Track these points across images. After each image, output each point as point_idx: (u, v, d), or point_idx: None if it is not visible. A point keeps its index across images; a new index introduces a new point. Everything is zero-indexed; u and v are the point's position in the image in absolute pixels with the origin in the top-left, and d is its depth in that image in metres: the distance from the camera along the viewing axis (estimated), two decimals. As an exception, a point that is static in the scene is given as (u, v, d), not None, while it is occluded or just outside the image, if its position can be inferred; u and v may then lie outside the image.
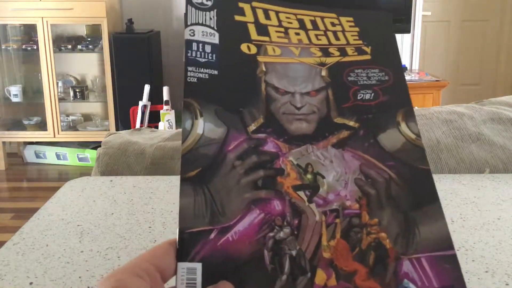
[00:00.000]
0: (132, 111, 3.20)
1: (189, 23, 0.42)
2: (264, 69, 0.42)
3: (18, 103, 3.76)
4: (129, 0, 3.84)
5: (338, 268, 0.36)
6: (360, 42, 0.46)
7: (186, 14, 0.42)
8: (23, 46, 3.68)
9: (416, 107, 2.44)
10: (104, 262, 0.64)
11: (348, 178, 0.39)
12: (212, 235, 0.35)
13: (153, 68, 3.54)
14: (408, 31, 3.63)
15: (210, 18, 0.43)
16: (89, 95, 3.78)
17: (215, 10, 0.43)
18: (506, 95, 1.21)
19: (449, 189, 0.85)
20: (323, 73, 0.43)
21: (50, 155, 3.78)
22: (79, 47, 3.67)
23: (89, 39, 3.71)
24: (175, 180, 0.92)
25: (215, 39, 0.42)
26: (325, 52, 0.45)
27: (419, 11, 3.87)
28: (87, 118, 3.88)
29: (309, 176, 0.39)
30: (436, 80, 3.41)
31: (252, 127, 0.39)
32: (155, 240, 0.70)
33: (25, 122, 3.75)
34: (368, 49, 0.46)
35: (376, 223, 0.37)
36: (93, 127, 3.74)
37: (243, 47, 0.43)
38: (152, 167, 1.03)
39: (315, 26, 0.46)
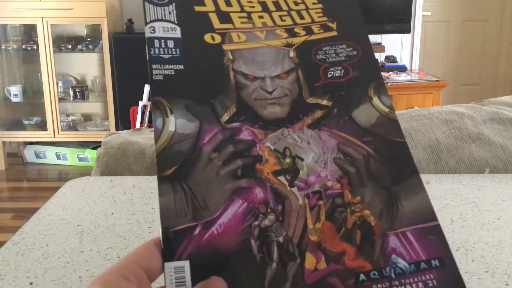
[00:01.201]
0: (132, 111, 3.21)
1: (148, 20, 0.41)
2: (230, 57, 0.42)
3: (18, 103, 3.76)
4: (129, 0, 3.84)
5: (327, 250, 0.36)
6: (325, 18, 0.45)
7: (143, 11, 0.42)
8: (23, 46, 3.68)
9: (416, 107, 2.44)
10: (104, 262, 0.64)
11: (327, 158, 0.39)
12: (197, 231, 0.35)
13: (153, 68, 3.53)
14: (408, 31, 3.63)
15: (170, 13, 0.42)
16: (89, 95, 3.78)
17: (173, 4, 0.42)
18: (506, 95, 1.21)
19: (449, 189, 0.85)
20: (291, 54, 0.43)
21: (50, 155, 3.78)
22: (79, 47, 3.67)
23: (89, 39, 3.71)
24: (175, 180, 0.92)
25: (177, 33, 0.41)
26: (291, 32, 0.44)
27: (419, 11, 3.87)
28: (87, 118, 3.88)
29: (287, 160, 0.38)
30: (436, 80, 3.41)
31: (225, 117, 0.39)
32: (155, 240, 0.70)
33: (25, 122, 3.75)
34: (333, 25, 0.45)
35: (359, 201, 0.37)
36: (93, 127, 3.74)
37: (207, 37, 0.42)
38: (152, 167, 1.03)
39: (278, 7, 0.45)
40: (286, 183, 0.38)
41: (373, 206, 0.37)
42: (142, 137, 1.13)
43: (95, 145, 3.72)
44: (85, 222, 0.75)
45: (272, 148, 0.39)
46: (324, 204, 0.37)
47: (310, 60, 0.43)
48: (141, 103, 3.06)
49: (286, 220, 0.36)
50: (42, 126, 3.72)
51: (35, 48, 3.60)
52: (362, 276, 0.35)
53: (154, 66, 0.39)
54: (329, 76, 0.42)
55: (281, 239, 0.36)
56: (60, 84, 3.72)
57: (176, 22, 0.42)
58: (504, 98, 1.17)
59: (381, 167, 0.39)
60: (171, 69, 0.40)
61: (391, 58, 3.78)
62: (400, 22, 3.50)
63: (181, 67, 0.40)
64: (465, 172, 0.95)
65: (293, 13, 0.45)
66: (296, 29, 0.44)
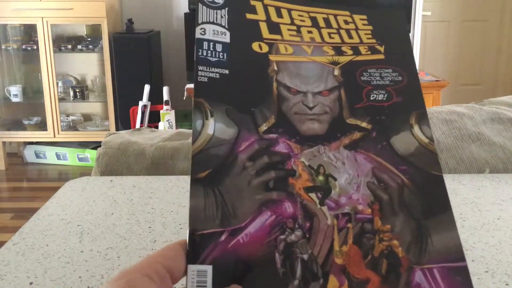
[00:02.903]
0: (132, 111, 3.21)
1: (200, 22, 0.41)
2: (275, 68, 0.41)
3: (18, 103, 3.76)
4: (129, 0, 3.84)
5: (351, 276, 0.35)
6: (374, 41, 0.45)
7: (196, 12, 0.42)
8: (23, 46, 3.68)
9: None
10: (104, 262, 0.64)
11: (360, 181, 0.38)
12: (223, 237, 0.35)
13: (153, 68, 3.54)
14: (408, 31, 3.63)
15: (222, 17, 0.42)
16: (89, 95, 3.78)
17: (226, 9, 0.43)
18: (506, 95, 1.21)
19: (449, 189, 0.85)
20: (336, 72, 0.42)
21: (50, 155, 3.78)
22: (79, 47, 3.67)
23: (89, 39, 3.71)
24: (175, 180, 0.92)
25: (226, 38, 0.41)
26: (338, 50, 0.44)
27: (419, 11, 3.87)
28: (87, 118, 3.88)
29: (320, 177, 0.38)
30: (436, 80, 3.41)
31: (263, 127, 0.39)
32: (155, 240, 0.70)
33: (25, 122, 3.75)
34: (381, 48, 0.45)
35: (389, 229, 0.37)
36: (93, 127, 3.74)
37: (255, 45, 0.42)
38: (152, 167, 1.03)
39: (328, 24, 0.45)
40: (317, 201, 0.37)
41: (402, 237, 0.36)
42: (142, 137, 1.13)
43: (95, 145, 3.72)
44: (85, 222, 0.75)
45: (307, 164, 0.38)
46: (352, 228, 0.37)
47: (354, 80, 0.42)
48: (141, 103, 3.06)
49: (313, 238, 0.36)
50: (42, 126, 3.72)
51: (35, 48, 3.60)
52: None
53: (200, 68, 0.40)
54: (371, 98, 0.42)
55: (305, 256, 0.35)
56: (60, 84, 3.72)
57: (226, 26, 0.42)
58: (504, 98, 1.17)
59: (414, 198, 0.38)
60: (217, 72, 0.40)
61: (391, 58, 3.78)
62: (400, 22, 3.50)
63: (226, 71, 0.40)
64: (465, 172, 0.96)
65: (342, 32, 0.45)
66: (344, 48, 0.44)
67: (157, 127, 2.95)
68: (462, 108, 1.08)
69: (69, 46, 3.66)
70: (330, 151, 0.39)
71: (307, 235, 0.36)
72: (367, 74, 0.43)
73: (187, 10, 3.29)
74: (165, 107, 2.94)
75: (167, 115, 2.93)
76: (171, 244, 0.35)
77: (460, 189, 0.85)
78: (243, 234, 0.35)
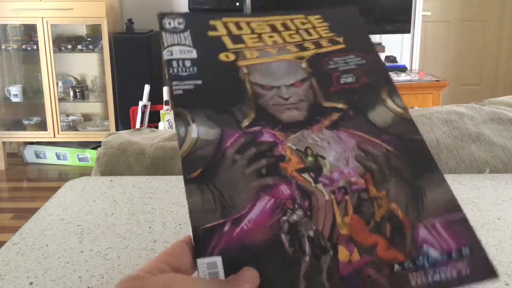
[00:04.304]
0: (132, 111, 3.20)
1: (166, 45, 0.44)
2: (246, 71, 0.43)
3: (18, 103, 3.76)
4: (129, 0, 3.84)
5: (359, 243, 0.36)
6: (332, 34, 0.48)
7: (161, 38, 0.45)
8: (23, 46, 3.68)
9: (416, 107, 2.44)
10: (104, 262, 0.64)
11: (348, 156, 0.40)
12: (227, 227, 0.36)
13: (153, 68, 3.53)
14: (408, 31, 3.63)
15: (185, 38, 0.45)
16: (89, 95, 3.78)
17: (188, 31, 0.45)
18: (506, 95, 1.21)
19: (449, 189, 0.85)
20: (303, 65, 0.45)
21: (50, 155, 3.78)
22: (79, 47, 3.67)
23: (89, 39, 3.71)
24: (175, 180, 0.92)
25: (193, 54, 0.44)
26: (301, 47, 0.46)
27: (419, 11, 3.87)
28: (87, 118, 3.88)
29: (310, 158, 0.39)
30: (436, 80, 3.41)
31: (245, 122, 0.40)
32: (155, 240, 0.70)
33: (25, 122, 3.74)
34: (340, 39, 0.47)
35: (385, 195, 0.38)
36: (93, 127, 3.74)
37: (222, 56, 0.44)
38: (152, 167, 1.03)
39: (286, 27, 0.48)
40: (311, 180, 0.39)
41: (398, 199, 0.38)
42: (142, 137, 1.13)
43: (95, 145, 3.72)
44: (85, 222, 0.75)
45: (294, 148, 0.40)
46: (350, 199, 0.38)
47: (322, 69, 0.45)
48: (141, 103, 3.06)
49: (315, 215, 0.37)
50: (42, 126, 3.72)
51: (35, 48, 3.59)
52: (396, 267, 0.36)
53: (174, 83, 0.42)
54: (341, 82, 0.44)
55: (311, 233, 0.36)
56: (60, 84, 3.72)
57: (191, 45, 0.44)
58: (504, 98, 1.17)
59: (402, 162, 0.40)
60: (190, 84, 0.42)
61: (391, 58, 3.78)
62: (400, 22, 3.50)
63: (199, 82, 0.42)
64: (465, 172, 0.95)
65: (301, 31, 0.48)
66: (306, 44, 0.46)
67: (157, 127, 2.95)
68: (462, 108, 1.08)
69: (69, 46, 3.66)
70: (314, 133, 0.41)
71: (309, 213, 0.37)
72: (332, 63, 0.45)
73: (187, 10, 3.29)
74: (165, 107, 2.94)
75: (167, 115, 2.93)
76: (175, 243, 0.35)
77: (460, 189, 0.85)
78: (246, 221, 0.36)
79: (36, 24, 3.49)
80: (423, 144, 0.41)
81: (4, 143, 3.72)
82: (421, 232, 0.37)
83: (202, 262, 0.34)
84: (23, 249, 0.67)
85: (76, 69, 3.84)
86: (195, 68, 0.43)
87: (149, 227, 0.73)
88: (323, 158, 0.40)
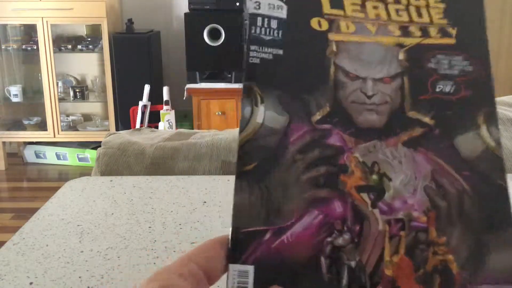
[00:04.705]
0: (132, 111, 3.20)
1: None
2: (335, 49, 0.37)
3: (18, 103, 3.76)
4: (129, 0, 3.84)
5: None
6: (445, 21, 0.39)
7: None
8: (23, 46, 3.68)
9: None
10: (104, 262, 0.64)
11: (417, 184, 0.35)
12: (267, 236, 0.33)
13: (153, 68, 3.54)
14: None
15: None
16: (89, 95, 3.78)
17: None
18: (506, 95, 1.21)
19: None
20: (401, 56, 0.38)
21: (50, 155, 3.78)
22: (79, 47, 3.67)
23: (89, 39, 3.71)
24: (175, 180, 0.92)
25: (283, 13, 0.37)
26: (405, 31, 0.38)
27: (419, 11, 3.87)
28: (87, 118, 3.88)
29: (374, 176, 0.35)
30: (436, 80, 3.41)
31: (317, 116, 0.36)
32: (155, 240, 0.70)
33: (25, 122, 3.75)
34: (453, 31, 0.39)
35: (444, 242, 0.34)
36: (93, 127, 3.74)
37: (313, 22, 0.37)
38: (152, 167, 1.03)
39: None
40: (369, 202, 0.34)
41: (458, 251, 0.33)
42: (142, 137, 1.13)
43: (95, 145, 3.72)
44: (85, 222, 0.75)
45: (361, 160, 0.35)
46: (405, 236, 0.34)
47: (420, 67, 0.38)
48: (141, 103, 3.06)
49: (362, 244, 0.33)
50: (42, 126, 3.72)
51: (35, 48, 3.60)
52: None
53: (252, 48, 0.36)
54: (437, 90, 0.37)
55: (353, 263, 0.33)
56: (60, 84, 3.72)
57: None
58: (504, 98, 1.17)
59: (475, 208, 0.34)
60: (270, 53, 0.36)
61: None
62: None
63: (281, 52, 0.37)
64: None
65: (411, 8, 0.39)
66: (411, 28, 0.39)
67: (157, 127, 2.95)
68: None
69: (69, 46, 3.66)
70: (387, 147, 0.35)
71: (356, 240, 0.33)
72: (434, 61, 0.38)
73: (187, 10, 3.29)
74: (165, 107, 2.94)
75: (167, 115, 2.93)
76: (209, 241, 0.33)
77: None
78: (288, 234, 0.33)
79: (36, 24, 3.49)
80: (505, 192, 0.35)
81: (4, 143, 3.72)
82: None
83: (234, 268, 0.32)
84: (23, 249, 0.67)
85: (76, 69, 3.84)
86: (280, 32, 0.37)
87: (149, 227, 0.73)
88: (389, 179, 0.35)
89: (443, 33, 0.39)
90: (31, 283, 0.59)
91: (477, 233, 0.34)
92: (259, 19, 0.37)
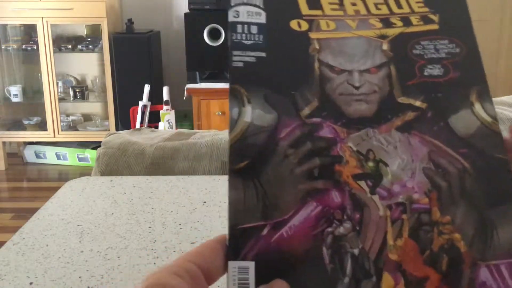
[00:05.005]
0: (132, 111, 3.20)
1: (232, 4, 0.38)
2: (317, 46, 0.38)
3: (18, 103, 3.76)
4: (129, 0, 3.84)
5: (407, 273, 0.32)
6: (426, 9, 0.40)
7: None
8: (23, 46, 3.68)
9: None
10: (104, 262, 0.64)
11: (415, 167, 0.34)
12: (265, 231, 0.32)
13: (153, 68, 3.54)
14: None
15: None
16: (89, 95, 3.78)
17: None
18: (506, 95, 1.21)
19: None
20: (384, 47, 0.38)
21: (50, 155, 3.78)
22: (79, 47, 3.67)
23: (89, 39, 3.71)
24: (175, 180, 0.92)
25: (262, 19, 0.38)
26: (386, 23, 0.39)
27: (419, 11, 3.87)
28: (87, 118, 3.88)
29: (370, 164, 0.34)
30: (436, 80, 3.41)
31: (306, 111, 0.36)
32: (155, 240, 0.70)
33: (25, 122, 3.75)
34: (435, 17, 0.40)
35: (449, 221, 0.33)
36: (93, 127, 3.74)
37: (293, 24, 0.38)
38: (152, 167, 1.03)
39: None
40: (367, 190, 0.34)
41: (464, 229, 0.33)
42: (142, 137, 1.13)
43: (95, 145, 3.72)
44: (85, 222, 0.75)
45: (355, 149, 0.35)
46: (408, 219, 0.33)
47: (405, 54, 0.38)
48: (141, 103, 3.06)
49: (364, 231, 0.33)
50: (42, 126, 3.72)
51: (35, 48, 3.60)
52: None
53: (234, 53, 0.37)
54: (425, 74, 0.37)
55: (356, 251, 0.33)
56: (60, 84, 3.72)
57: (262, 6, 0.39)
58: (504, 98, 1.17)
59: (477, 185, 0.34)
60: (253, 56, 0.37)
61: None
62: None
63: (263, 54, 0.37)
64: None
65: (391, 2, 0.40)
66: (392, 19, 0.39)
67: (157, 127, 2.95)
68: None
69: (69, 46, 3.66)
70: (380, 134, 0.35)
71: (357, 228, 0.33)
72: (419, 47, 0.38)
73: (187, 10, 3.29)
74: (165, 107, 2.94)
75: (167, 115, 2.93)
76: (208, 241, 0.33)
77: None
78: (287, 227, 0.33)
79: (36, 24, 3.49)
80: (506, 165, 0.34)
81: (4, 143, 3.72)
82: (482, 273, 0.32)
83: (233, 265, 0.32)
84: (23, 249, 0.67)
85: (76, 69, 3.84)
86: (261, 36, 0.37)
87: (149, 227, 0.73)
88: (386, 165, 0.34)
89: (426, 20, 0.39)
90: (31, 283, 0.59)
91: (481, 210, 0.33)
92: (239, 26, 0.38)
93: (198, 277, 0.31)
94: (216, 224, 0.74)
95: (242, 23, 0.38)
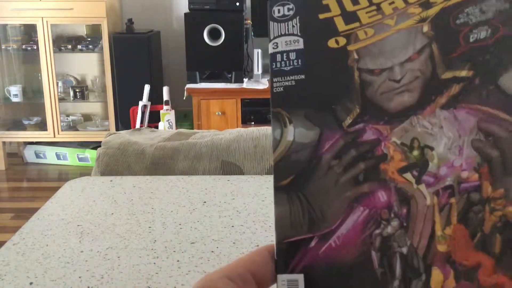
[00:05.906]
0: (132, 111, 3.20)
1: (272, 37, 0.39)
2: (356, 56, 0.37)
3: (18, 103, 3.76)
4: (129, 0, 3.84)
5: (457, 264, 0.31)
6: None
7: (268, 29, 0.40)
8: (23, 46, 3.68)
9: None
10: (104, 262, 0.64)
11: (463, 142, 0.32)
12: (313, 243, 0.33)
13: (153, 68, 3.54)
14: None
15: (293, 26, 0.39)
16: (89, 95, 3.78)
17: (297, 17, 0.40)
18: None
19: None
20: (425, 28, 0.36)
21: (50, 155, 3.78)
22: (79, 47, 3.68)
23: (89, 39, 3.71)
24: (175, 180, 0.92)
25: (300, 45, 0.39)
26: (426, 5, 0.37)
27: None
28: (87, 118, 3.89)
29: (415, 152, 0.33)
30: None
31: (348, 120, 0.35)
32: (155, 240, 0.70)
33: (25, 122, 3.75)
34: None
35: (502, 194, 0.31)
36: (93, 127, 3.74)
37: (331, 42, 0.38)
38: (152, 167, 1.03)
39: None
40: (413, 181, 0.32)
41: None
42: (142, 137, 1.13)
43: (95, 145, 3.72)
44: (85, 222, 0.75)
45: (399, 142, 0.34)
46: (456, 203, 0.31)
47: (448, 28, 0.35)
48: (141, 103, 3.06)
49: (411, 226, 0.32)
50: (42, 126, 3.72)
51: (35, 48, 3.60)
52: None
53: (275, 80, 0.37)
54: (471, 40, 0.34)
55: (404, 250, 0.32)
56: (60, 84, 3.72)
57: (299, 34, 0.39)
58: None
59: None
60: (292, 79, 0.37)
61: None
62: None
63: (302, 76, 0.37)
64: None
65: None
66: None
67: (157, 127, 2.95)
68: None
69: (69, 46, 3.66)
70: (424, 118, 0.33)
71: (404, 224, 0.32)
72: (463, 16, 0.35)
73: (187, 10, 3.29)
74: (165, 107, 2.94)
75: (167, 115, 2.93)
76: (258, 249, 0.33)
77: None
78: (334, 237, 0.33)
79: (36, 24, 3.49)
80: None
81: (4, 143, 3.72)
82: None
83: (282, 278, 0.32)
84: (23, 249, 0.67)
85: (76, 69, 3.84)
86: (299, 61, 0.38)
87: (149, 227, 0.73)
88: (431, 149, 0.33)
89: None
90: (31, 283, 0.59)
91: None
92: (278, 55, 0.38)
93: (250, 283, 0.31)
94: (216, 224, 0.74)
95: (281, 52, 0.38)
